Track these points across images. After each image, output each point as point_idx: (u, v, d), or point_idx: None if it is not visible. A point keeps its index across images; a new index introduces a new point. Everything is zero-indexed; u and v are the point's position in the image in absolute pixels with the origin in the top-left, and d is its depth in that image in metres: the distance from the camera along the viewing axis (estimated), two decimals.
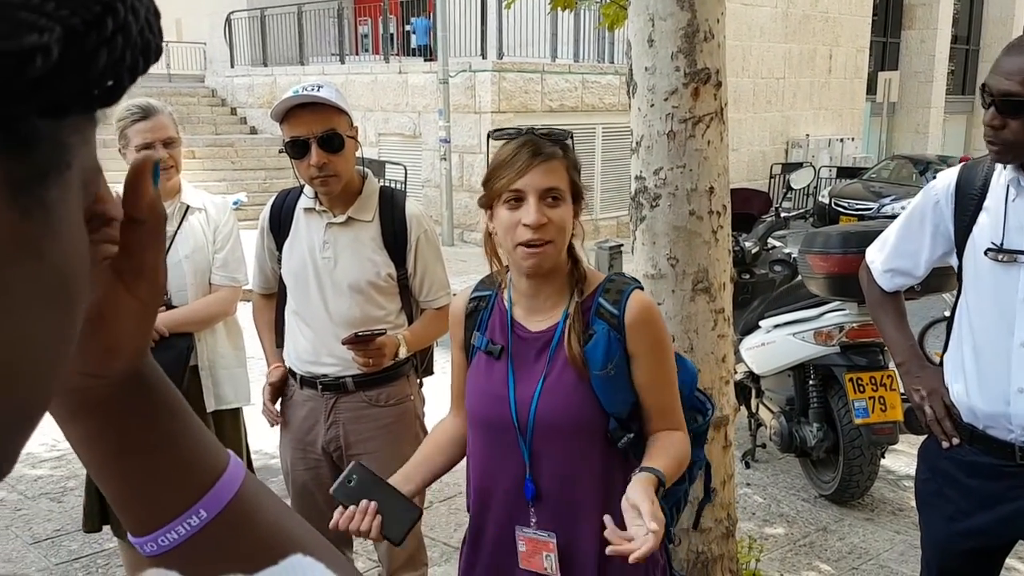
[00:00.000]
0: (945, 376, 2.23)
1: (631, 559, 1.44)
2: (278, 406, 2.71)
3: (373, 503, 1.69)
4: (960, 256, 2.18)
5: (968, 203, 2.14)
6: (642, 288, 1.79)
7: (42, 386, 0.37)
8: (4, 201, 0.32)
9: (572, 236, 1.76)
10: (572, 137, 1.78)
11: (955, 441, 2.17)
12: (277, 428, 2.77)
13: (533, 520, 1.77)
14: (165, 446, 0.54)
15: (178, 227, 2.81)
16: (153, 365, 0.54)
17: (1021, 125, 1.94)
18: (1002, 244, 2.04)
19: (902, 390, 3.70)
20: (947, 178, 2.23)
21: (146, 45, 0.36)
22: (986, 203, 2.11)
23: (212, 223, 2.87)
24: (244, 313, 2.89)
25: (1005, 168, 2.07)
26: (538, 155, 1.66)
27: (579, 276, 1.77)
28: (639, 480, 1.58)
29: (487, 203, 1.74)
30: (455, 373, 1.97)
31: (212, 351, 2.88)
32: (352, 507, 1.69)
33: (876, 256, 2.42)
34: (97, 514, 2.89)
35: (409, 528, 1.72)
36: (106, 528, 2.93)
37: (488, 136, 1.83)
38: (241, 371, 2.99)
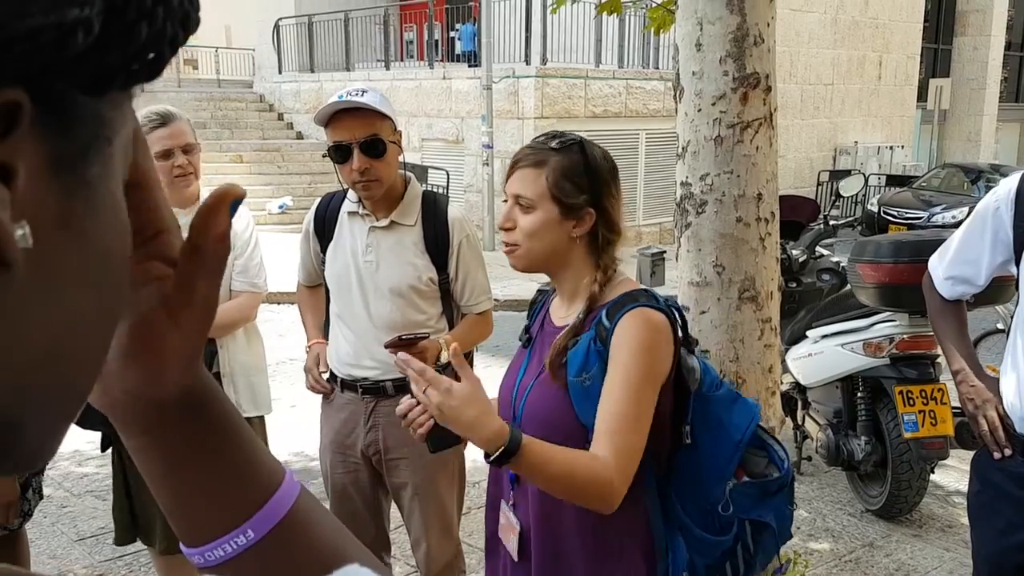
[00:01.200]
0: (1000, 385, 2.20)
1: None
2: (321, 368, 2.72)
3: None
4: (1018, 264, 2.14)
5: None
6: (663, 309, 1.68)
7: (90, 367, 0.38)
8: (47, 181, 0.32)
9: (605, 255, 1.74)
10: (581, 143, 1.73)
11: (1007, 452, 2.14)
12: (317, 432, 2.77)
13: (511, 502, 1.83)
14: (213, 465, 0.53)
15: None
16: (206, 381, 0.53)
17: None
18: None
19: (953, 404, 3.62)
20: (1009, 184, 2.19)
21: (185, 16, 0.35)
22: None
23: (232, 229, 2.87)
24: (263, 321, 2.90)
25: None
26: (518, 162, 1.74)
27: (593, 294, 1.71)
28: (484, 404, 1.49)
29: None
30: None
31: (233, 359, 2.88)
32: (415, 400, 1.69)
33: (937, 263, 2.38)
34: (128, 527, 2.91)
35: (445, 447, 1.75)
36: None
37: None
38: (261, 378, 2.98)
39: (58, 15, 0.29)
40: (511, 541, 1.80)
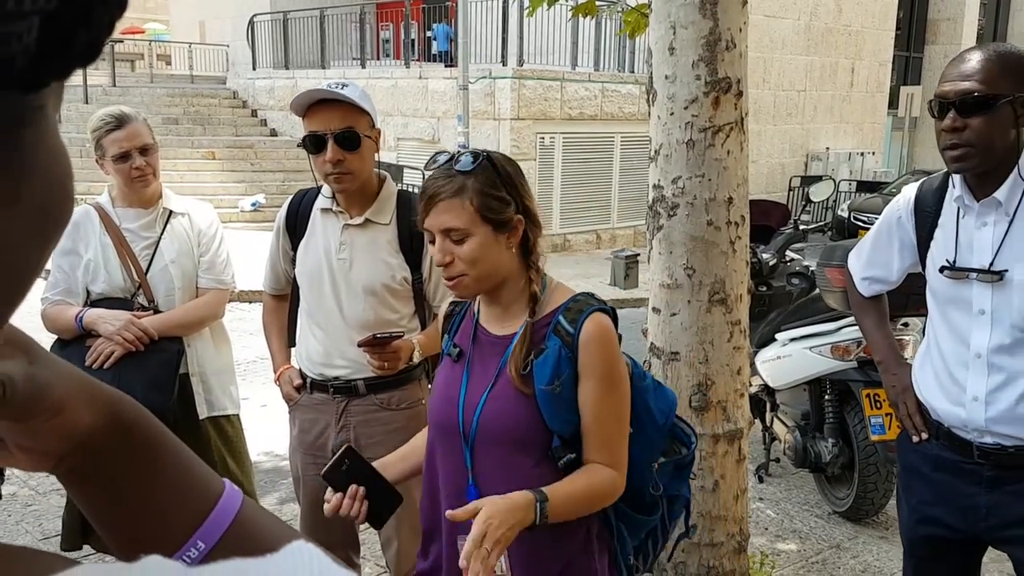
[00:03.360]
0: (914, 376, 2.35)
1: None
2: (295, 383, 2.68)
3: (361, 489, 1.78)
4: (924, 267, 2.29)
5: (925, 220, 2.27)
6: (608, 312, 1.76)
7: (25, 285, 0.41)
8: None
9: (533, 254, 1.78)
10: (488, 157, 1.73)
11: (924, 436, 2.30)
12: (287, 432, 2.76)
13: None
14: (152, 489, 0.55)
15: (162, 232, 2.80)
16: (128, 413, 0.55)
17: (982, 122, 2.02)
18: (954, 262, 2.16)
19: None
20: (908, 194, 2.35)
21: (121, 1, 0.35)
22: (940, 220, 2.23)
23: (196, 227, 2.86)
24: (234, 319, 2.87)
25: (955, 187, 2.17)
26: (436, 196, 1.70)
27: (532, 293, 1.76)
28: (507, 498, 1.59)
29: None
30: None
31: (202, 358, 2.86)
32: (340, 493, 1.77)
33: (855, 264, 2.56)
34: (78, 532, 2.87)
35: (390, 514, 1.83)
36: None
37: (423, 169, 1.85)
38: (230, 377, 2.98)
39: None
40: (500, 565, 1.73)
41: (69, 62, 0.34)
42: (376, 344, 2.37)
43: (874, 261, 2.46)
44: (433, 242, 1.73)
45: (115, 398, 0.55)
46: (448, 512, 1.61)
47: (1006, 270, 2.07)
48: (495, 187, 1.71)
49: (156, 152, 2.76)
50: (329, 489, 1.79)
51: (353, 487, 1.77)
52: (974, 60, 2.04)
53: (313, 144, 2.41)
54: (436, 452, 1.86)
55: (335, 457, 1.79)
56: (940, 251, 2.21)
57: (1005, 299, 2.08)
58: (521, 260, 1.78)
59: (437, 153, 1.80)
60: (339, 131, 2.38)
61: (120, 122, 2.67)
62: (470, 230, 1.69)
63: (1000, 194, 2.08)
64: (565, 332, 1.70)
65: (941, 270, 2.18)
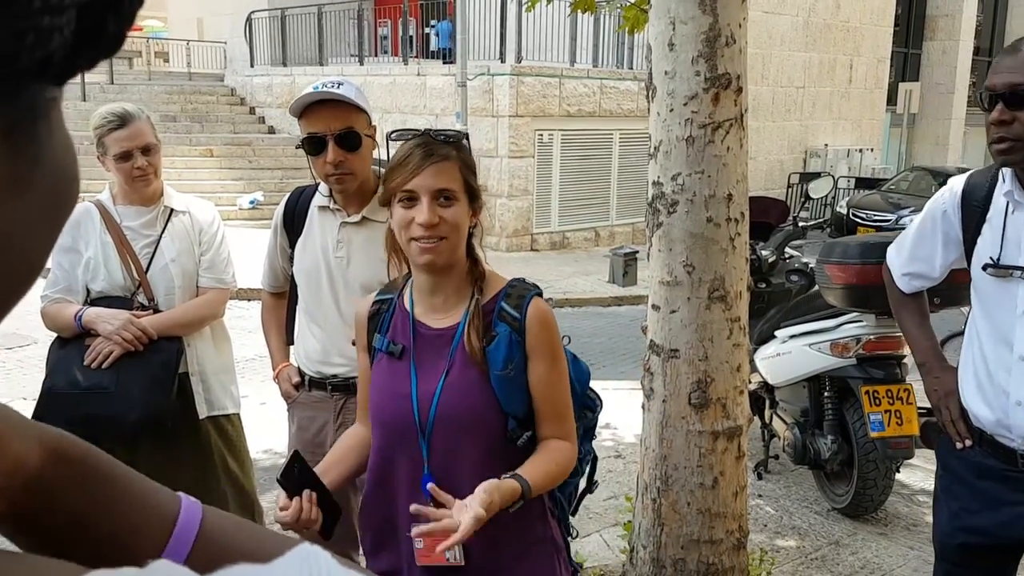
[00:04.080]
0: (959, 381, 2.28)
1: (438, 548, 1.58)
2: (294, 381, 2.67)
3: (314, 494, 1.74)
4: (969, 263, 2.22)
5: (973, 214, 2.19)
6: (541, 294, 1.84)
7: (35, 272, 0.42)
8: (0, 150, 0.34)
9: (471, 236, 1.82)
10: (468, 138, 1.84)
11: (968, 443, 2.23)
12: (285, 429, 2.75)
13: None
14: (110, 519, 0.54)
15: (162, 231, 2.78)
16: (77, 446, 0.55)
17: None
18: (999, 259, 2.08)
19: (919, 404, 3.67)
20: (954, 187, 2.28)
21: None
22: (989, 215, 2.15)
23: (197, 226, 2.85)
24: (233, 317, 2.86)
25: (1004, 181, 2.10)
26: (430, 156, 1.72)
27: (478, 275, 1.82)
28: (495, 482, 1.64)
29: (385, 201, 1.78)
30: (362, 379, 1.97)
31: (201, 357, 2.85)
32: (297, 497, 1.72)
33: (894, 259, 2.49)
34: None
35: (335, 523, 1.77)
36: None
37: (387, 137, 1.85)
38: (230, 376, 2.97)
39: (39, 52, 0.31)
40: (454, 551, 1.74)
41: (98, 53, 0.35)
42: None
43: (916, 256, 2.38)
44: (406, 206, 1.71)
45: (56, 434, 0.55)
46: (457, 502, 1.61)
47: None
48: (472, 164, 1.81)
49: (158, 151, 2.75)
50: (282, 495, 1.72)
51: (308, 491, 1.71)
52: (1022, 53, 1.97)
53: (313, 145, 2.39)
54: (386, 450, 1.84)
55: (288, 461, 1.72)
56: (986, 247, 2.12)
57: None
58: (465, 248, 1.82)
59: (398, 129, 1.82)
60: (339, 132, 2.36)
61: (123, 121, 2.65)
62: (458, 196, 1.73)
63: None
64: (511, 317, 1.76)
65: (984, 267, 2.10)
